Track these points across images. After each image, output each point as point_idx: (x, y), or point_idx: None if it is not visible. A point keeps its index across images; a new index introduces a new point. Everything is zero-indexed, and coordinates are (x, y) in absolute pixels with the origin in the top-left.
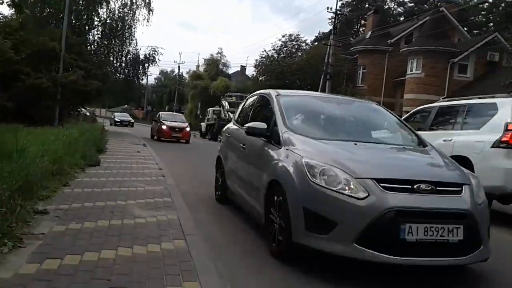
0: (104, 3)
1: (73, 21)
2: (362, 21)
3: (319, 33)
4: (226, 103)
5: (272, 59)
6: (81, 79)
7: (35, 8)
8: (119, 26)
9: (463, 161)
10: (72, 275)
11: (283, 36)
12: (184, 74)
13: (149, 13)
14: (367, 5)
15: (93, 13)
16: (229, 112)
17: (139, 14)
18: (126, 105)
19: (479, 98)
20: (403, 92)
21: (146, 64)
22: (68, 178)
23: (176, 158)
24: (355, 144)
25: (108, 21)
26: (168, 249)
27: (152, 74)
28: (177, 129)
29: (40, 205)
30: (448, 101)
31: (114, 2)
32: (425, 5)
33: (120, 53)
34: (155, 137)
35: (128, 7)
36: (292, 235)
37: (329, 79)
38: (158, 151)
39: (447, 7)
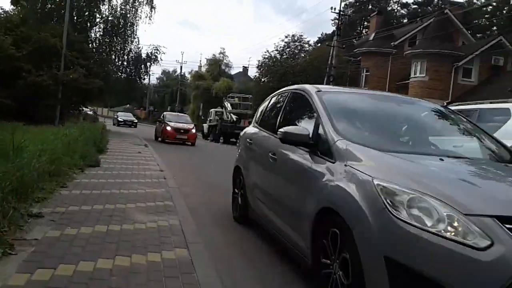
0: (106, 0)
1: (75, 18)
2: (365, 23)
3: (322, 34)
4: (229, 104)
5: (274, 60)
6: (82, 78)
7: (36, 4)
8: (121, 23)
9: None
10: None
11: (286, 37)
12: (187, 74)
13: (152, 11)
14: (370, 6)
15: (95, 10)
16: (231, 114)
17: (141, 11)
18: (128, 105)
19: (491, 103)
20: (407, 96)
21: (148, 63)
22: (66, 179)
23: (177, 159)
24: (441, 159)
25: (110, 18)
26: (170, 259)
27: (154, 74)
28: (182, 131)
29: (35, 207)
30: (457, 105)
31: None
32: (429, 7)
33: (122, 52)
34: (159, 139)
35: (130, 4)
36: None
37: (332, 81)
38: (160, 152)
39: (451, 9)
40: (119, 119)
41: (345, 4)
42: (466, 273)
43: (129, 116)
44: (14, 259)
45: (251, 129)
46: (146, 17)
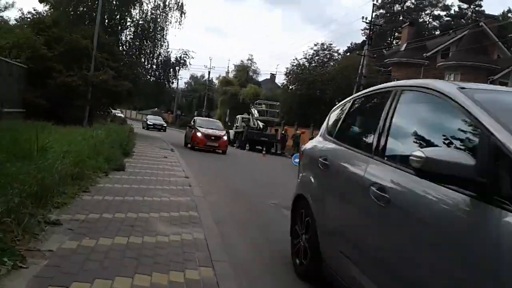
0: (137, 4)
1: (106, 21)
2: (396, 33)
3: (351, 44)
4: (256, 111)
5: (303, 67)
6: (112, 79)
7: (68, 6)
8: (151, 27)
9: None
10: None
11: (315, 45)
12: (214, 80)
13: (181, 16)
14: (401, 17)
15: (126, 13)
16: (258, 121)
17: (172, 16)
18: (156, 108)
19: None
20: None
21: (177, 68)
22: (89, 183)
23: (203, 165)
24: None
25: (140, 22)
26: (193, 280)
27: (183, 78)
28: (213, 137)
29: (54, 213)
30: None
31: (146, 3)
32: (462, 20)
33: (151, 55)
34: (189, 145)
35: (160, 9)
36: None
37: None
38: (185, 157)
39: (486, 22)
40: (149, 123)
41: (376, 15)
42: None
43: (158, 120)
44: (25, 273)
45: (323, 144)
46: (176, 22)
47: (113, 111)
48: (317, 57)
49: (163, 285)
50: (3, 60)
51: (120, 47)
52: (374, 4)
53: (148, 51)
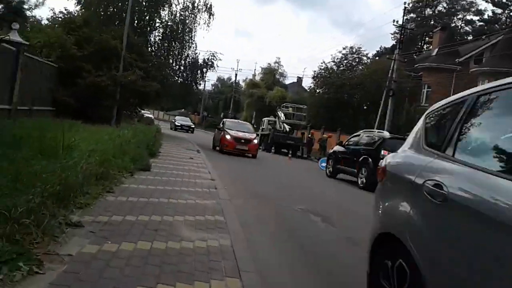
0: (166, 5)
1: (135, 22)
2: (427, 38)
3: (380, 48)
4: (282, 114)
5: (331, 71)
6: (140, 80)
7: (99, 7)
8: (180, 28)
9: None
10: None
11: (344, 48)
12: (241, 82)
13: (210, 18)
14: (432, 22)
15: (155, 14)
16: (284, 123)
17: (200, 18)
18: (183, 109)
19: None
20: None
21: (205, 69)
22: (114, 183)
23: (228, 167)
24: None
25: (169, 23)
26: None
27: (210, 80)
28: (243, 141)
29: (76, 214)
30: None
31: (175, 4)
32: (496, 25)
33: (179, 56)
34: (217, 148)
35: (189, 10)
36: None
37: (392, 96)
38: (211, 159)
39: None
40: (177, 124)
41: (406, 19)
42: None
43: (186, 121)
44: (40, 280)
45: (424, 160)
46: (204, 23)
47: (142, 111)
48: (345, 61)
49: None
50: (35, 59)
51: (149, 48)
52: (405, 8)
53: (176, 52)
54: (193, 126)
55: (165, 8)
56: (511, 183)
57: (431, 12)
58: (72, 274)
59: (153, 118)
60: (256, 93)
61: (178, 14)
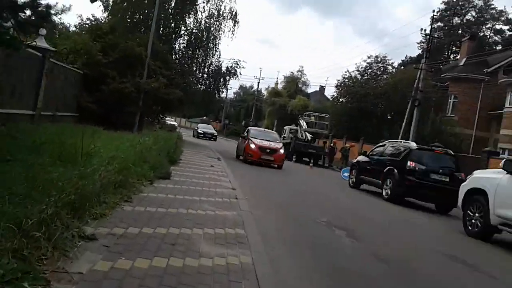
0: (192, 13)
1: (161, 29)
2: (454, 48)
3: (405, 57)
4: (304, 123)
5: (355, 80)
6: (163, 87)
7: (125, 14)
8: (205, 36)
9: None
10: None
11: (369, 57)
12: (263, 91)
13: (235, 25)
14: (460, 31)
15: (181, 22)
16: (306, 132)
17: (225, 25)
18: (205, 117)
19: None
20: (499, 127)
21: (228, 77)
22: (133, 191)
23: (249, 176)
24: None
25: (194, 30)
26: None
27: (232, 88)
28: (268, 150)
29: (91, 226)
30: None
31: (201, 12)
32: None
33: (203, 64)
34: (241, 157)
35: (214, 18)
36: None
37: (417, 105)
38: (232, 167)
39: None
40: (199, 131)
41: (433, 28)
42: None
43: (209, 129)
44: None
45: None
46: (229, 31)
47: (166, 118)
48: (370, 70)
49: None
50: (60, 65)
51: (173, 56)
52: (433, 15)
53: (200, 60)
54: (216, 134)
55: (190, 16)
56: None
57: (459, 21)
58: None
59: (176, 125)
60: (278, 101)
61: (203, 22)
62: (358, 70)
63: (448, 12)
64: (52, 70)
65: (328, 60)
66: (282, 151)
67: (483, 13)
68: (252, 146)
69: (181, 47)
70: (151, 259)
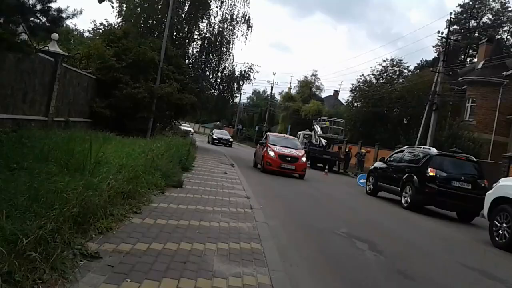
0: (205, 18)
1: (174, 34)
2: (470, 51)
3: (421, 61)
4: (319, 128)
5: (370, 84)
6: (176, 92)
7: (139, 19)
8: (218, 40)
9: None
10: None
11: (384, 61)
12: (276, 95)
13: (248, 29)
14: (476, 34)
15: (194, 27)
16: (320, 137)
17: (238, 30)
18: (218, 122)
19: None
20: None
21: (241, 82)
22: (142, 202)
23: (263, 183)
24: None
25: (207, 35)
26: None
27: (245, 93)
28: (289, 158)
29: (96, 241)
30: None
31: (214, 16)
32: None
33: (216, 68)
34: (259, 166)
35: (228, 22)
36: None
37: (435, 110)
38: (245, 173)
39: None
40: (214, 137)
41: (449, 31)
42: None
43: (225, 135)
44: None
45: None
46: (242, 35)
47: (182, 124)
48: (385, 74)
49: None
50: (73, 70)
51: (186, 60)
52: (451, 18)
53: (214, 65)
54: (231, 140)
55: (204, 20)
56: None
57: (475, 24)
58: None
59: (192, 131)
60: (292, 106)
61: (216, 26)
62: (373, 74)
63: (464, 15)
64: (65, 75)
65: (341, 65)
66: (304, 159)
67: (499, 16)
68: (271, 153)
69: (194, 52)
70: (159, 281)
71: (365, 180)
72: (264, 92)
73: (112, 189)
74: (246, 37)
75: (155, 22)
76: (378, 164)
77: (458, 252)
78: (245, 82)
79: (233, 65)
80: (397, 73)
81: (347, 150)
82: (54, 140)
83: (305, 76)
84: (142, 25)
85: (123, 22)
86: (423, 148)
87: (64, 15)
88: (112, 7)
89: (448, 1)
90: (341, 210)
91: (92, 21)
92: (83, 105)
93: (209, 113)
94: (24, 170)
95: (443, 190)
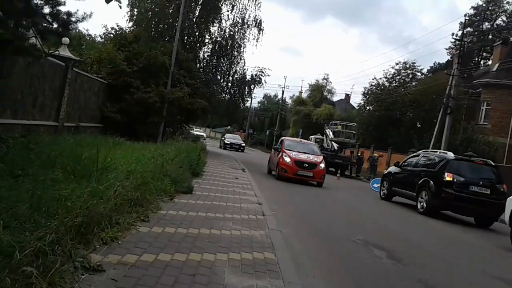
0: (216, 21)
1: (185, 38)
2: (484, 53)
3: (434, 64)
4: (330, 132)
5: (382, 87)
6: (187, 97)
7: (150, 23)
8: (229, 44)
9: None
10: None
11: (397, 64)
12: (287, 99)
13: (259, 33)
14: (490, 36)
15: (205, 31)
16: (332, 142)
17: (249, 33)
18: (229, 126)
19: None
20: None
21: (252, 86)
22: (150, 209)
23: (275, 187)
24: None
25: (218, 39)
26: None
27: (256, 97)
28: (306, 165)
29: (99, 252)
30: None
31: (225, 20)
32: None
33: (227, 72)
34: (273, 172)
35: (239, 26)
36: None
37: (449, 113)
38: (256, 178)
39: None
40: (226, 142)
41: (463, 33)
42: None
43: (237, 139)
44: None
45: None
46: (253, 39)
47: (194, 129)
48: (398, 77)
49: None
50: (84, 75)
51: (197, 64)
52: (465, 20)
53: (225, 69)
54: (244, 144)
55: (215, 24)
56: None
57: (489, 26)
58: None
59: (205, 136)
60: (303, 110)
61: (227, 30)
62: (386, 77)
63: (478, 18)
64: (76, 79)
65: (353, 68)
66: (322, 165)
67: None
68: (287, 159)
69: (205, 56)
70: None
71: (379, 185)
72: (275, 96)
73: (119, 196)
74: (257, 41)
75: (166, 26)
76: (393, 168)
77: (480, 260)
78: (256, 86)
79: (244, 69)
80: (410, 76)
81: (359, 154)
82: (63, 146)
83: (317, 80)
84: (153, 29)
85: (134, 26)
86: (439, 152)
87: (73, 19)
88: (120, 7)
89: (460, 3)
90: (356, 216)
91: (104, 26)
92: (94, 110)
93: (220, 118)
94: (29, 177)
95: (460, 195)
